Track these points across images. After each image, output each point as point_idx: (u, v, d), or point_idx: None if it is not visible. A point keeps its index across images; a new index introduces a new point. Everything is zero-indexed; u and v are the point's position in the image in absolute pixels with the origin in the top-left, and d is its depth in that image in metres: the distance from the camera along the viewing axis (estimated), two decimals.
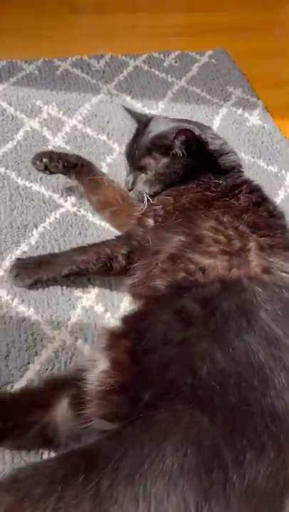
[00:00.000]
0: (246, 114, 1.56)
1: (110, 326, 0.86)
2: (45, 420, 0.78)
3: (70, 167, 1.17)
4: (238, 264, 0.82)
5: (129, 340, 0.76)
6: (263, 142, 1.46)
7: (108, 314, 1.01)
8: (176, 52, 1.79)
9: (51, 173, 1.18)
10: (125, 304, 1.03)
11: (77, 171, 1.17)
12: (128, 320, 0.83)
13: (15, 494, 0.60)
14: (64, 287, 1.04)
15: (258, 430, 0.62)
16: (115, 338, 0.79)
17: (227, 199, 0.97)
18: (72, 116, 1.46)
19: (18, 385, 0.88)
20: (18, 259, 1.03)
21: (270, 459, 0.61)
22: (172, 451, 0.59)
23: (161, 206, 1.00)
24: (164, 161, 1.02)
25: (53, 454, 0.80)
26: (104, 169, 1.31)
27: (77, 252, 1.00)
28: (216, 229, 0.89)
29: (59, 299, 1.02)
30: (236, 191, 0.99)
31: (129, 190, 1.09)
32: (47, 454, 0.81)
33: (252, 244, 0.86)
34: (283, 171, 1.39)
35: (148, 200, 1.04)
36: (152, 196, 1.05)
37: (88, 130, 1.42)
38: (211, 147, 1.04)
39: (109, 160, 1.34)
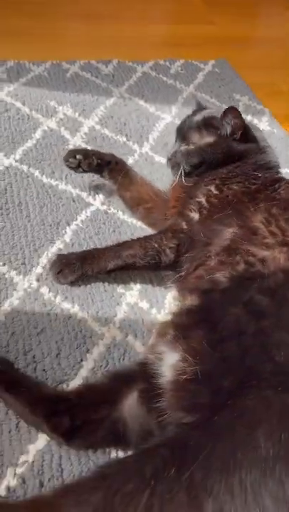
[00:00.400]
0: (256, 121, 1.60)
1: (170, 319, 0.84)
2: (115, 416, 0.75)
3: (104, 164, 1.15)
4: None
5: (202, 330, 0.75)
6: (275, 147, 1.50)
7: (154, 310, 0.99)
8: (181, 61, 1.82)
9: (83, 171, 1.15)
10: (169, 299, 1.02)
11: (111, 169, 1.16)
12: (192, 313, 0.81)
13: (105, 492, 0.57)
14: (106, 284, 1.01)
15: None
16: (186, 329, 0.77)
17: (268, 192, 0.99)
18: (88, 117, 1.45)
19: (73, 384, 0.84)
20: (59, 256, 0.99)
21: None
22: (266, 438, 0.58)
23: (205, 198, 1.00)
24: (209, 139, 1.06)
25: (121, 453, 0.77)
26: None
27: (122, 247, 0.98)
28: (268, 221, 0.90)
29: (102, 295, 0.99)
30: (276, 186, 1.01)
31: (168, 159, 1.11)
32: (115, 453, 0.77)
33: None
34: None
35: (181, 174, 1.06)
36: (187, 174, 1.06)
37: (106, 131, 1.42)
38: (255, 139, 1.07)
39: (131, 161, 1.34)
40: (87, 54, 1.75)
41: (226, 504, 0.54)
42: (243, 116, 1.56)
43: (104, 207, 1.18)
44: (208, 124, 1.07)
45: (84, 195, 1.20)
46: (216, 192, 1.00)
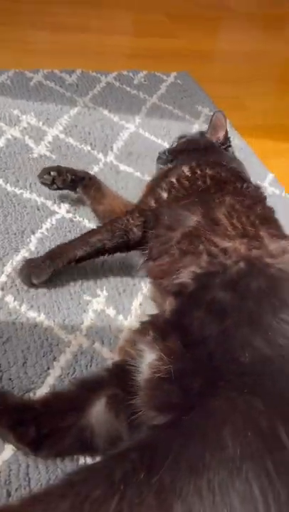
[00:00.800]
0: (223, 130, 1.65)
1: (149, 320, 0.86)
2: (82, 423, 0.75)
3: (78, 180, 1.17)
4: (257, 246, 0.85)
5: (177, 334, 0.76)
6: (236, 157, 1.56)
7: (121, 317, 1.00)
8: (144, 72, 1.86)
9: (58, 187, 1.16)
10: (136, 305, 1.03)
11: (85, 184, 1.18)
12: (168, 317, 0.82)
13: (73, 499, 0.57)
14: (72, 292, 1.02)
15: None
16: (163, 332, 0.78)
17: (238, 186, 1.04)
18: (52, 126, 1.45)
19: (41, 392, 0.84)
20: (27, 260, 1.00)
21: None
22: (233, 438, 0.59)
23: (176, 178, 1.05)
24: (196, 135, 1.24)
25: (89, 460, 0.77)
26: None
27: (89, 234, 1.02)
28: (230, 214, 0.93)
29: (69, 303, 0.99)
30: (245, 185, 1.07)
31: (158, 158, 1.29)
32: (83, 460, 0.77)
33: (263, 234, 0.89)
34: (259, 182, 1.48)
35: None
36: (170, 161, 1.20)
37: (71, 140, 1.42)
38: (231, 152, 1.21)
39: (96, 169, 1.35)
40: (51, 63, 1.75)
41: (194, 505, 0.55)
42: (205, 126, 1.62)
43: (70, 215, 1.19)
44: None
45: (49, 203, 1.20)
46: (187, 173, 1.07)
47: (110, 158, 1.41)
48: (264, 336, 0.71)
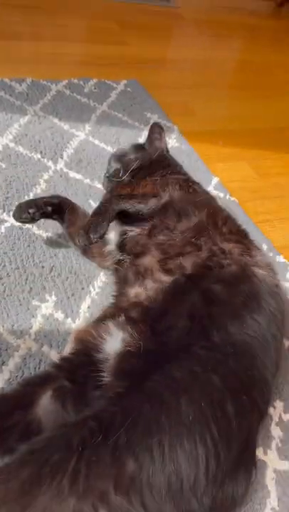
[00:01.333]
0: (166, 138, 1.72)
1: (122, 306, 0.93)
2: (29, 419, 0.79)
3: (56, 208, 1.15)
4: (247, 253, 0.95)
5: (154, 317, 0.85)
6: (183, 161, 1.62)
7: (69, 320, 1.05)
8: (95, 80, 1.90)
9: (36, 220, 1.15)
10: (84, 308, 1.08)
11: (60, 209, 1.17)
12: (154, 299, 0.90)
13: (33, 465, 0.63)
14: (21, 298, 1.05)
15: (254, 391, 0.75)
16: (140, 315, 0.87)
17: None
18: (2, 135, 1.47)
19: None
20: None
21: (260, 412, 0.77)
22: (188, 405, 0.68)
23: (176, 181, 1.13)
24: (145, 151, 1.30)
25: None
26: (43, 185, 1.35)
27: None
28: (225, 221, 1.04)
29: (18, 309, 1.03)
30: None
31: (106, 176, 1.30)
32: None
33: (250, 244, 1.02)
34: (204, 187, 1.56)
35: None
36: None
37: (21, 148, 1.45)
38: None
39: (46, 177, 1.38)
40: (1, 72, 1.77)
41: (145, 462, 0.63)
42: None
43: (19, 223, 1.22)
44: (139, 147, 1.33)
45: None
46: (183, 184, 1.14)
47: (60, 165, 1.45)
48: (239, 326, 0.81)
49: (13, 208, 1.23)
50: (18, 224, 1.21)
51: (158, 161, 1.29)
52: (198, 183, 1.26)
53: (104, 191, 1.32)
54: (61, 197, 1.21)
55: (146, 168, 1.25)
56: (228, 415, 0.70)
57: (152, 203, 1.04)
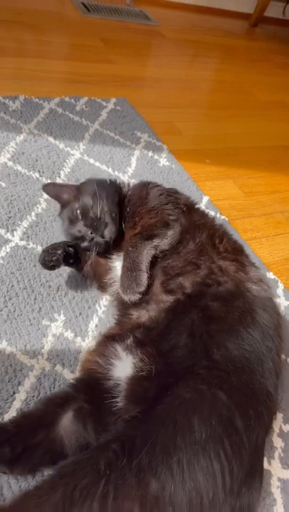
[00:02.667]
0: (156, 156, 1.78)
1: (128, 328, 0.96)
2: (52, 437, 0.82)
3: (74, 249, 1.14)
4: (242, 270, 1.00)
5: (157, 338, 0.89)
6: (174, 181, 1.69)
7: (79, 339, 1.08)
8: (85, 98, 1.95)
9: (60, 265, 1.11)
10: (92, 327, 1.11)
11: (76, 251, 1.15)
12: (156, 318, 0.93)
13: (64, 488, 0.66)
14: (31, 318, 1.08)
15: (259, 403, 0.80)
16: (145, 337, 0.90)
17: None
18: (0, 154, 1.49)
19: (8, 416, 0.89)
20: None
21: (266, 424, 0.81)
22: (200, 424, 0.73)
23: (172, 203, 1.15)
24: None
25: None
26: (43, 204, 1.37)
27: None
28: (221, 239, 1.09)
29: (28, 329, 1.05)
30: None
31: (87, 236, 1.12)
32: None
33: (244, 260, 1.06)
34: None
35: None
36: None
37: (19, 167, 1.47)
38: None
39: (46, 196, 1.41)
40: None
41: (167, 482, 0.67)
42: (145, 152, 1.74)
43: (24, 242, 1.24)
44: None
45: (2, 231, 1.25)
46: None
47: None
48: (236, 341, 0.86)
49: (16, 228, 1.27)
50: (22, 243, 1.24)
51: (117, 189, 1.19)
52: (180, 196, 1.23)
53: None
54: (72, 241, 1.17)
55: (121, 201, 1.16)
56: (238, 430, 0.75)
57: (171, 237, 1.05)
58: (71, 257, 1.13)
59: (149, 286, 1.00)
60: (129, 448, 0.70)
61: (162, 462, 0.68)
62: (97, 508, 0.65)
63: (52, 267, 1.10)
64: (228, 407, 0.76)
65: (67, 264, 1.15)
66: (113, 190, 1.15)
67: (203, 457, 0.70)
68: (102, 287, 1.16)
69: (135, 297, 0.98)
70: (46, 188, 1.23)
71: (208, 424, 0.73)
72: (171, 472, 0.68)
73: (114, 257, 1.11)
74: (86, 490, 0.66)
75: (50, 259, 1.08)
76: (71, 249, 1.13)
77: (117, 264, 1.11)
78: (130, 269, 1.00)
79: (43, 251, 1.11)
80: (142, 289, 0.98)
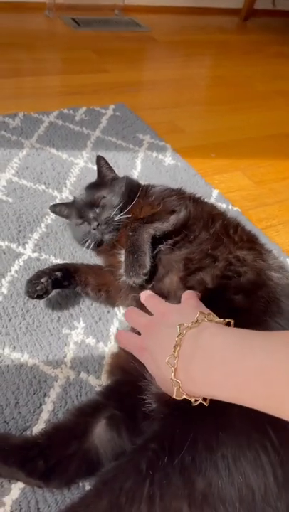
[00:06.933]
0: (160, 156, 1.76)
1: None
2: (86, 447, 0.79)
3: (64, 272, 1.11)
4: (260, 258, 0.96)
5: None
6: (181, 178, 1.67)
7: (101, 344, 1.05)
8: (84, 108, 1.95)
9: (49, 293, 1.07)
10: (113, 331, 1.09)
11: (68, 273, 1.13)
12: None
13: (109, 495, 0.64)
14: (51, 327, 1.06)
15: None
16: None
17: None
18: (4, 171, 1.49)
19: (37, 428, 0.87)
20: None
21: None
22: (240, 417, 0.67)
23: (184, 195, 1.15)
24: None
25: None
26: (52, 215, 1.36)
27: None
28: (235, 229, 1.06)
29: (49, 339, 1.03)
30: None
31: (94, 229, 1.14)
32: (88, 487, 0.80)
33: (260, 248, 1.03)
34: (206, 199, 1.60)
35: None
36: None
37: (25, 181, 1.47)
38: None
39: None
40: None
41: (213, 478, 0.63)
42: (149, 153, 1.73)
43: (36, 254, 1.23)
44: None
45: (13, 246, 1.24)
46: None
47: (65, 194, 1.47)
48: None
49: (27, 241, 1.26)
50: (35, 255, 1.23)
51: (131, 183, 1.22)
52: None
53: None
54: (62, 263, 1.19)
55: (133, 193, 1.17)
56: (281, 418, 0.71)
57: (174, 220, 1.03)
58: (65, 279, 1.10)
59: (162, 278, 0.98)
60: (170, 446, 0.66)
61: (206, 458, 0.65)
62: (146, 511, 0.62)
63: (39, 297, 1.04)
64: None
65: (61, 287, 1.11)
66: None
67: (249, 450, 0.65)
68: (112, 296, 1.14)
69: (139, 279, 0.96)
70: (53, 209, 1.27)
71: (248, 417, 0.67)
72: (217, 468, 0.64)
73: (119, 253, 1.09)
74: (131, 493, 0.63)
75: (33, 290, 1.03)
76: (58, 273, 1.09)
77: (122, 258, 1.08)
78: (132, 251, 0.98)
79: (27, 281, 1.05)
80: (146, 270, 0.96)
